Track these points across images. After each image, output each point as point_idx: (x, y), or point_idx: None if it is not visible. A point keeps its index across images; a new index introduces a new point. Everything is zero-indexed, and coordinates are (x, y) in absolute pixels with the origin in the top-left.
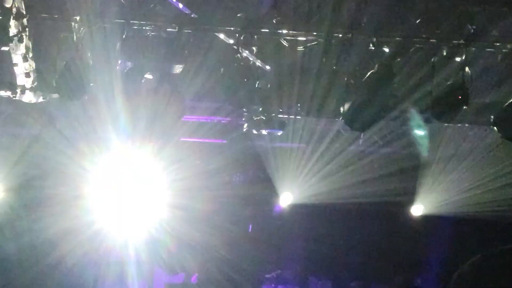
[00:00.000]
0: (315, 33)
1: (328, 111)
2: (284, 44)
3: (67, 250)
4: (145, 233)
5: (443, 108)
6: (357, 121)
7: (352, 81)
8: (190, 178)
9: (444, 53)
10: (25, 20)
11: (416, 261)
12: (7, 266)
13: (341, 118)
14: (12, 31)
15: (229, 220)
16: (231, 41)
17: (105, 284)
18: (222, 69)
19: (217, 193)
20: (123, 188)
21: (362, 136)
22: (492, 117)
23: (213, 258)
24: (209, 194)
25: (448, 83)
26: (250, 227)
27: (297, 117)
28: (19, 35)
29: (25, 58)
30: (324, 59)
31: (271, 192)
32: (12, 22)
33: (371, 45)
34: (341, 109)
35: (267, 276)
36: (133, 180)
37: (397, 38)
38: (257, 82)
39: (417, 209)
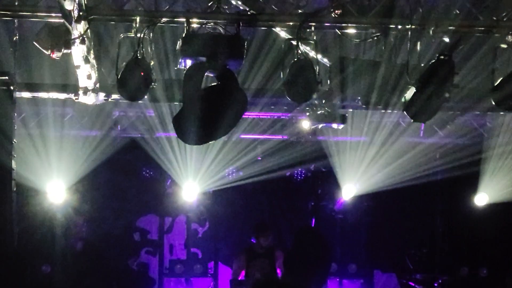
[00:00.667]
0: (375, 25)
1: (389, 103)
2: (344, 37)
3: (130, 248)
4: (207, 230)
5: (505, 96)
6: (419, 112)
7: (412, 73)
8: (251, 175)
9: (508, 41)
10: (86, 22)
11: (482, 252)
12: (72, 264)
13: (402, 110)
14: (74, 33)
15: (292, 214)
16: (290, 36)
17: (170, 282)
18: (281, 64)
19: (278, 189)
20: (185, 187)
21: (422, 127)
22: None
23: (250, 257)
24: (270, 190)
25: (510, 71)
26: (313, 221)
27: (358, 110)
28: (80, 37)
29: (86, 60)
30: (384, 51)
31: (333, 185)
32: (74, 25)
33: (431, 36)
34: (402, 100)
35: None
36: (194, 178)
37: (457, 28)
38: (317, 76)
39: (481, 199)
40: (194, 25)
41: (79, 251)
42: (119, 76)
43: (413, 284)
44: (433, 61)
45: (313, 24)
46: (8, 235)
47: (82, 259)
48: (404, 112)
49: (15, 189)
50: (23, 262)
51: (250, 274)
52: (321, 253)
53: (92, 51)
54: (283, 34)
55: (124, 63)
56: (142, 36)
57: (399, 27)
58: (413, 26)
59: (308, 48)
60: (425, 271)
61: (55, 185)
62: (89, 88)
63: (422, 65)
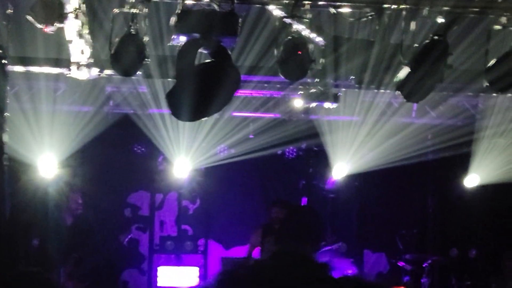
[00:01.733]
0: (369, 4)
1: (382, 83)
2: (338, 16)
3: (121, 224)
4: (198, 207)
5: (498, 77)
6: (412, 92)
7: (406, 53)
8: (243, 152)
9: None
10: None
11: (471, 233)
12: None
13: (395, 90)
14: (67, 7)
15: (283, 193)
16: (284, 14)
17: (160, 258)
18: (275, 42)
19: (270, 167)
20: (177, 163)
21: (415, 107)
22: None
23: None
24: (262, 168)
25: (505, 52)
26: (305, 199)
27: (351, 89)
28: (74, 12)
29: (80, 35)
30: (378, 31)
31: (325, 164)
32: None
33: (425, 16)
34: (395, 80)
35: (325, 249)
36: (186, 155)
37: (452, 9)
38: (311, 55)
39: (472, 180)
40: (189, 1)
41: (69, 225)
42: (113, 51)
43: (403, 264)
44: (427, 41)
45: (308, 2)
46: (0, 208)
47: (72, 233)
48: (397, 92)
49: (7, 163)
50: (15, 236)
51: (265, 250)
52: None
53: (86, 26)
54: (277, 12)
55: (118, 39)
56: (136, 11)
57: (394, 6)
58: (407, 6)
59: (302, 26)
60: (415, 252)
61: (47, 159)
62: (82, 63)
63: (416, 45)
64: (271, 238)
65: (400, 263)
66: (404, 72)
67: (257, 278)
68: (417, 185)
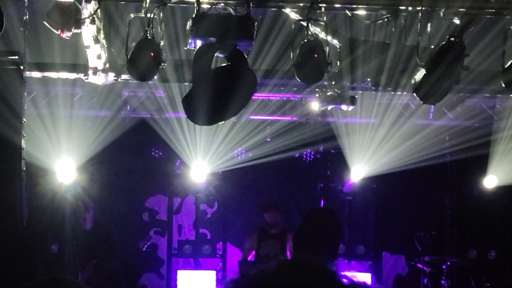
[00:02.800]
0: (385, 7)
1: (398, 85)
2: (354, 18)
3: (137, 229)
4: (216, 211)
5: None
6: (429, 94)
7: (422, 54)
8: (260, 156)
9: None
10: (96, 2)
11: (490, 234)
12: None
13: (412, 92)
14: (84, 13)
15: (301, 195)
16: (300, 17)
17: (179, 262)
18: (291, 46)
19: (287, 170)
20: (194, 167)
21: (432, 109)
22: None
23: (261, 237)
24: (279, 171)
25: None
26: (322, 202)
27: (367, 91)
28: (90, 17)
29: (96, 40)
30: (394, 33)
31: (342, 167)
32: (84, 4)
33: (441, 17)
34: (412, 82)
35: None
36: (203, 158)
37: (468, 10)
38: (327, 58)
39: (490, 181)
40: (204, 6)
41: (88, 231)
42: (129, 56)
43: (422, 266)
44: (443, 42)
45: (323, 5)
46: (18, 214)
47: (91, 238)
48: (414, 94)
49: (24, 169)
50: (33, 242)
51: (261, 255)
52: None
53: (102, 31)
54: (293, 15)
55: (134, 43)
56: (152, 16)
57: (410, 8)
58: (423, 8)
59: (318, 29)
60: (434, 253)
61: (64, 164)
62: (99, 68)
63: (432, 47)
64: (267, 242)
65: (419, 265)
66: (420, 74)
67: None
68: (435, 186)
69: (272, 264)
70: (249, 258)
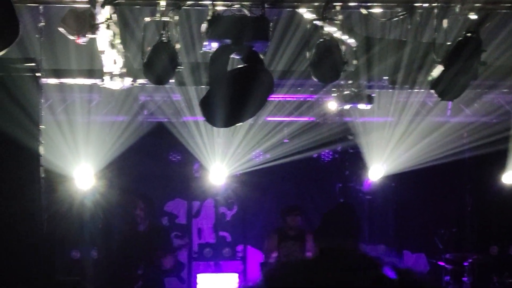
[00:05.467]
0: (400, 4)
1: (416, 82)
2: (369, 16)
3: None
4: (235, 213)
5: None
6: (446, 91)
7: (439, 51)
8: (278, 157)
9: None
10: (111, 7)
11: (511, 230)
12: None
13: (429, 88)
14: (99, 18)
15: (319, 196)
16: (315, 17)
17: (199, 265)
18: (307, 45)
19: (306, 171)
20: (212, 170)
21: (450, 106)
22: None
23: (282, 238)
24: (298, 172)
25: None
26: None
27: (384, 90)
28: (105, 22)
29: (112, 45)
30: (410, 30)
31: (361, 166)
32: (99, 9)
33: (457, 13)
34: (429, 79)
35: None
36: (221, 161)
37: (484, 5)
38: (343, 57)
39: (510, 176)
40: (219, 8)
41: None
42: (145, 60)
43: (443, 264)
44: (460, 38)
45: (338, 4)
46: (37, 221)
47: (124, 244)
48: (431, 90)
49: (43, 175)
50: (52, 248)
51: (281, 256)
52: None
53: (117, 36)
54: (308, 15)
55: (150, 47)
56: (167, 19)
57: (425, 5)
58: (439, 4)
59: (333, 28)
60: (455, 251)
61: (82, 170)
62: (115, 73)
63: (449, 43)
64: (286, 243)
65: (440, 263)
66: (437, 70)
67: (308, 276)
68: (454, 183)
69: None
70: (271, 259)
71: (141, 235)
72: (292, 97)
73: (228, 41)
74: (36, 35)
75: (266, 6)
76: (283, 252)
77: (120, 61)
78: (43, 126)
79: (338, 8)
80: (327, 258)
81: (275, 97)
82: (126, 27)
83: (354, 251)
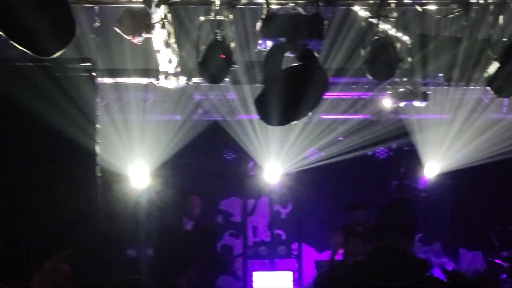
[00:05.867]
0: (456, 0)
1: (471, 79)
2: (424, 13)
3: (212, 232)
4: (290, 211)
5: None
6: (502, 87)
7: (495, 47)
8: (333, 155)
9: None
10: (166, 6)
11: None
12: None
13: (485, 85)
14: (154, 17)
15: (374, 194)
16: (370, 14)
17: (254, 264)
18: (362, 43)
19: (360, 168)
20: (267, 168)
21: (506, 102)
22: None
23: (348, 234)
24: (352, 170)
25: None
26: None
27: (439, 87)
28: (160, 22)
29: (167, 44)
30: (466, 27)
31: (416, 164)
32: (154, 9)
33: None
34: (485, 75)
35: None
36: (276, 159)
37: None
38: (398, 54)
39: None
40: (274, 6)
41: (190, 231)
42: (200, 59)
43: (500, 262)
44: None
45: (393, 1)
46: (95, 219)
47: (192, 239)
48: (487, 87)
49: (99, 174)
50: (109, 247)
51: (348, 253)
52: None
53: (172, 35)
54: (362, 12)
55: (204, 46)
56: (222, 18)
57: (481, 1)
58: (494, 0)
59: (388, 26)
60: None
61: (138, 169)
62: (170, 72)
63: (505, 39)
64: (353, 239)
65: (497, 261)
66: (493, 67)
67: (359, 277)
68: (510, 180)
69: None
70: (336, 256)
71: (196, 233)
72: (347, 95)
73: (282, 39)
74: (92, 35)
75: (320, 4)
76: (349, 249)
77: (175, 60)
78: (99, 126)
79: (392, 5)
80: (378, 259)
81: (329, 95)
82: (180, 26)
83: (405, 251)
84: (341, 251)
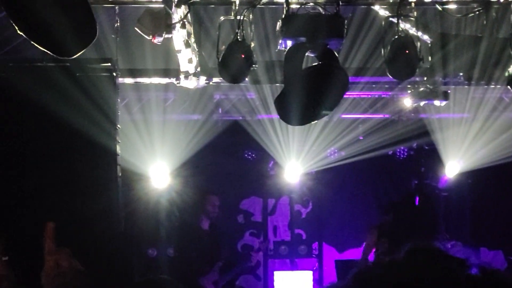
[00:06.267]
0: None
1: (492, 78)
2: (445, 13)
3: (233, 231)
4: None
5: None
6: None
7: None
8: (353, 154)
9: None
10: (186, 6)
11: None
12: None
13: (506, 84)
14: (174, 17)
15: (395, 193)
16: (390, 13)
17: (275, 263)
18: (382, 42)
19: (381, 168)
20: (288, 168)
21: None
22: None
23: (381, 233)
24: (373, 169)
25: None
26: (417, 199)
27: (460, 86)
28: (181, 22)
29: (187, 44)
30: (486, 26)
31: (437, 163)
32: (174, 9)
33: None
34: (506, 75)
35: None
36: (296, 159)
37: None
38: (419, 53)
39: None
40: (294, 6)
41: (207, 230)
42: (220, 59)
43: None
44: None
45: (413, 0)
46: (115, 219)
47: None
48: (508, 86)
49: (120, 174)
50: (130, 246)
51: (379, 252)
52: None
53: (192, 35)
54: (382, 11)
55: (224, 46)
56: (242, 18)
57: (501, 0)
58: None
59: (408, 25)
60: None
61: (158, 169)
62: (190, 72)
63: None
64: (385, 240)
65: None
66: None
67: (399, 276)
68: None
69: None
70: (369, 256)
71: (216, 232)
72: (367, 94)
73: (302, 39)
74: (112, 35)
75: (340, 3)
76: (381, 248)
77: (195, 60)
78: (120, 126)
79: (413, 4)
80: (415, 259)
81: (350, 94)
82: (200, 26)
83: (441, 250)
84: (373, 249)
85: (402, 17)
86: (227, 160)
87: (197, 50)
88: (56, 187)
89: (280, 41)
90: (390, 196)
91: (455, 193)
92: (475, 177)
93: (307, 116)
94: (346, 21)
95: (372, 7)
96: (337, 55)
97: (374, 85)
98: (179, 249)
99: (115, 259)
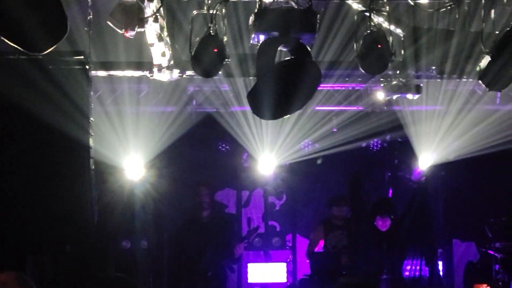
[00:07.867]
0: None
1: (464, 72)
2: (417, 7)
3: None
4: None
5: None
6: (494, 81)
7: (487, 41)
8: (327, 147)
9: None
10: (158, 0)
11: None
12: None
13: (477, 79)
14: (147, 11)
15: (369, 185)
16: (363, 8)
17: (249, 255)
18: (354, 37)
19: (355, 160)
20: (261, 160)
21: (499, 94)
22: None
23: (328, 228)
24: (347, 162)
25: None
26: (391, 191)
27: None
28: (153, 15)
29: (160, 38)
30: (458, 20)
31: (410, 155)
32: (147, 3)
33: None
34: (477, 69)
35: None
36: (270, 151)
37: None
38: (391, 47)
39: None
40: (267, 0)
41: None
42: (193, 53)
43: (493, 253)
44: (508, 28)
45: None
46: (89, 213)
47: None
48: (479, 81)
49: (93, 167)
50: (105, 239)
51: (329, 246)
52: None
53: (165, 29)
54: (355, 5)
55: (197, 40)
56: (215, 12)
57: None
58: None
59: (380, 19)
60: (505, 240)
61: (132, 161)
62: (164, 65)
63: (497, 32)
64: (334, 233)
65: (490, 252)
66: (485, 61)
67: None
68: (504, 172)
69: None
70: (315, 249)
71: (206, 222)
72: (341, 86)
73: (275, 33)
74: (85, 28)
75: None
76: (330, 243)
77: (168, 53)
78: (93, 118)
79: None
80: None
81: (324, 87)
82: (174, 20)
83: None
84: (321, 243)
85: (374, 11)
86: (201, 152)
87: (170, 43)
88: (29, 181)
89: (252, 35)
90: (364, 188)
91: (428, 185)
92: (448, 170)
93: (279, 110)
94: (318, 15)
95: (345, 1)
96: (309, 49)
97: (347, 78)
98: (154, 241)
99: (89, 252)
